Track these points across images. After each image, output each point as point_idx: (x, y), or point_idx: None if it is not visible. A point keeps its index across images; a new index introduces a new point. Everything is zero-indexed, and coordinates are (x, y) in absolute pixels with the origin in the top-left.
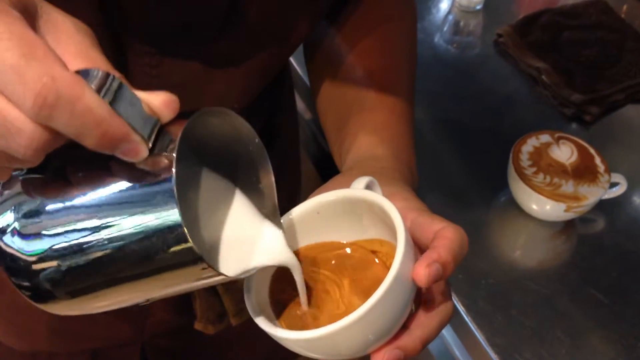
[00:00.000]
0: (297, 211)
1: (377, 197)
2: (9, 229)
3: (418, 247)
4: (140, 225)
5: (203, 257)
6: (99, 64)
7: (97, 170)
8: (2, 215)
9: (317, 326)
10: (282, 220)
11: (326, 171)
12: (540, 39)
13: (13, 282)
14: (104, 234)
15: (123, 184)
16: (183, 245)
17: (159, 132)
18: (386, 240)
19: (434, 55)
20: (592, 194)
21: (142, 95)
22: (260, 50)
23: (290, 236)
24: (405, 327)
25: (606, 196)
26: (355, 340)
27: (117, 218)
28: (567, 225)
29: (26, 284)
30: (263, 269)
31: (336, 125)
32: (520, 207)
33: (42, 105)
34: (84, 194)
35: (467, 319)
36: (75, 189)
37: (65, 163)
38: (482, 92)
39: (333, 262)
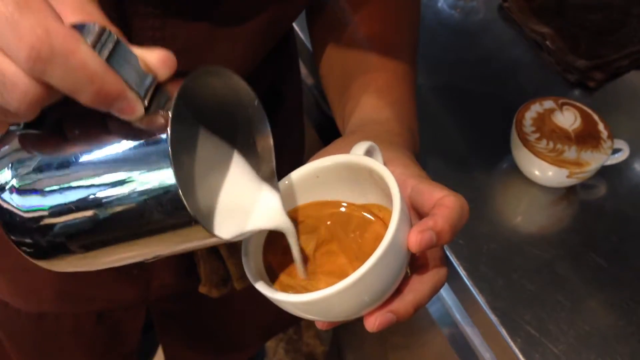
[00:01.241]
0: (296, 174)
1: (375, 164)
2: (7, 186)
3: (419, 215)
4: (134, 184)
5: (197, 218)
6: (96, 18)
7: (94, 127)
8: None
9: (312, 288)
10: (280, 183)
11: (328, 137)
12: (545, 4)
13: (12, 239)
14: (98, 192)
15: (119, 143)
16: (177, 206)
17: (156, 91)
18: (384, 206)
19: (437, 21)
20: (595, 160)
21: (138, 51)
22: (264, 11)
23: (288, 198)
24: (399, 290)
25: (608, 162)
26: (349, 303)
27: (113, 177)
28: (569, 191)
29: (23, 240)
30: (259, 233)
31: (339, 89)
32: (522, 173)
33: (36, 59)
34: (81, 151)
35: (468, 283)
36: (72, 145)
37: (63, 118)
38: (486, 58)
39: (329, 222)
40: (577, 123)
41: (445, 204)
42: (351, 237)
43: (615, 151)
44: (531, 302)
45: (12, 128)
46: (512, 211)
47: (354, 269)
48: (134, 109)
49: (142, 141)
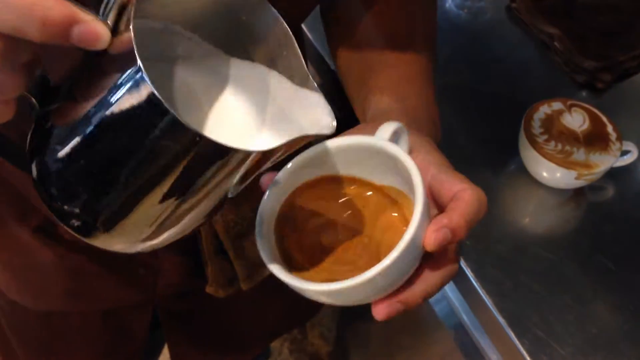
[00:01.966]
0: (315, 149)
1: (400, 152)
2: (44, 156)
3: (437, 204)
4: (132, 119)
5: (205, 134)
6: None
7: (93, 77)
8: (37, 151)
9: (318, 275)
10: (296, 159)
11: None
12: (554, 5)
13: (53, 211)
14: (109, 141)
15: (108, 83)
16: (179, 128)
17: (123, 9)
18: (403, 192)
19: (445, 21)
20: (604, 161)
21: None
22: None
23: (305, 170)
24: (409, 280)
25: (617, 164)
26: (363, 294)
27: (112, 120)
28: (577, 193)
29: (72, 210)
30: (271, 212)
31: (358, 83)
32: (530, 175)
33: None
34: (84, 107)
35: (476, 284)
36: (79, 105)
37: (72, 84)
38: (493, 58)
39: (344, 204)
40: (586, 125)
41: (462, 197)
42: (366, 225)
43: (624, 153)
44: (539, 304)
45: (33, 113)
46: (520, 213)
47: (364, 261)
48: (97, 32)
49: (121, 70)
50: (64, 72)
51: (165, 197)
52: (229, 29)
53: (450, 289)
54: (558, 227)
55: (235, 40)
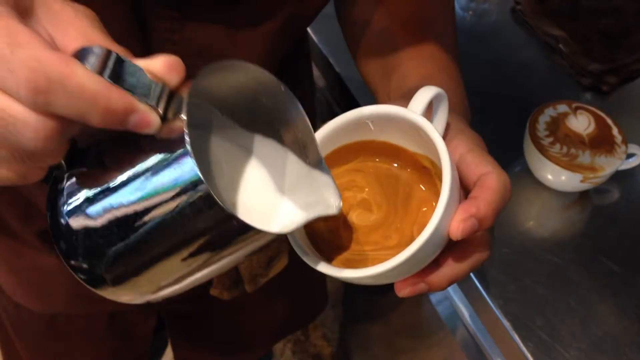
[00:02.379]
0: (345, 116)
1: (430, 129)
2: (61, 213)
3: (462, 184)
4: (170, 194)
5: (236, 214)
6: (99, 43)
7: (128, 150)
8: (52, 206)
9: (357, 260)
10: (326, 125)
11: None
12: (559, 7)
13: (71, 269)
14: (137, 210)
15: (147, 158)
16: (210, 204)
17: (171, 98)
18: (436, 162)
19: None
20: (609, 164)
21: (142, 62)
22: (281, 14)
23: (334, 137)
24: (436, 260)
25: (622, 167)
26: (389, 277)
27: (146, 192)
28: (582, 196)
29: (80, 265)
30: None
31: (383, 77)
32: (535, 177)
33: (35, 91)
34: (117, 176)
35: (480, 288)
36: (110, 172)
37: (102, 151)
38: (498, 61)
39: (374, 177)
40: (591, 127)
41: (487, 184)
42: (396, 200)
43: (629, 156)
44: (543, 307)
45: (57, 173)
46: (525, 215)
47: (395, 242)
48: (149, 120)
49: (166, 151)
50: (91, 136)
51: (183, 265)
52: (252, 108)
53: (453, 291)
54: (563, 230)
55: (258, 118)
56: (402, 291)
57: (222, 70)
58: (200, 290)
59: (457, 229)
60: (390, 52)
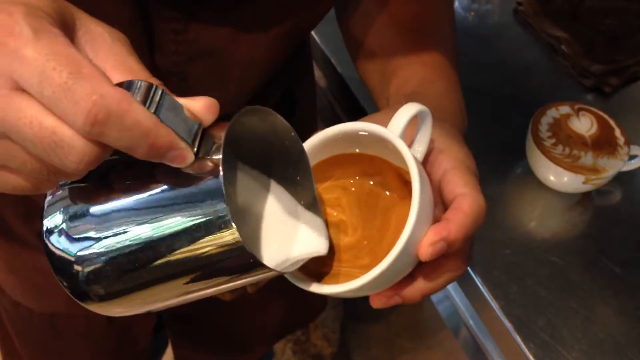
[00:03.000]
0: (333, 129)
1: (404, 149)
2: (56, 230)
3: (443, 200)
4: (188, 226)
5: (259, 259)
6: (138, 73)
7: (140, 175)
8: (51, 216)
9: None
10: (314, 137)
11: None
12: (561, 8)
13: (59, 280)
14: (152, 237)
15: (169, 188)
16: (235, 246)
17: (202, 136)
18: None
19: None
20: (611, 166)
21: (183, 101)
22: (286, 17)
23: (321, 149)
24: (411, 274)
25: (624, 168)
26: (362, 292)
27: (164, 221)
28: (584, 197)
29: (69, 284)
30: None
31: (382, 80)
32: (537, 178)
33: (94, 123)
34: (129, 199)
35: (482, 289)
36: (119, 194)
37: (109, 169)
38: (500, 61)
39: (354, 192)
40: (594, 129)
41: (461, 207)
42: (372, 224)
43: (632, 157)
44: (545, 308)
45: (60, 183)
46: (527, 217)
47: (366, 262)
48: (185, 156)
49: (194, 186)
50: None
51: (183, 290)
52: (261, 148)
53: (455, 292)
54: (565, 231)
55: (261, 157)
56: (377, 303)
57: (247, 115)
58: None
59: (426, 252)
60: (391, 55)
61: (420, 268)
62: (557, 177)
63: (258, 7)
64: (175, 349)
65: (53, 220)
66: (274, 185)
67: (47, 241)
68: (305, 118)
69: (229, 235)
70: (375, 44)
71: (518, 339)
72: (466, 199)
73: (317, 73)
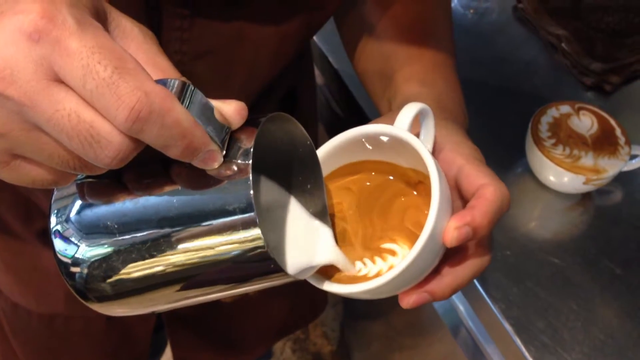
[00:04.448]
0: (340, 137)
1: (417, 144)
2: (64, 225)
3: (461, 197)
4: (211, 229)
5: (282, 266)
6: (168, 71)
7: (157, 173)
8: (60, 211)
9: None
10: (324, 146)
11: None
12: (561, 6)
13: (64, 277)
14: (171, 239)
15: (192, 189)
16: (257, 252)
17: (230, 139)
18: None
19: None
20: (612, 166)
21: (215, 103)
22: (292, 16)
23: (333, 158)
24: (437, 269)
25: (625, 168)
26: (387, 291)
27: (186, 223)
28: (584, 197)
29: (78, 285)
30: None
31: (382, 79)
32: (537, 179)
33: (136, 120)
34: (147, 199)
35: (482, 291)
36: (135, 193)
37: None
38: (500, 59)
39: (367, 195)
40: (594, 128)
41: (485, 195)
42: (389, 213)
43: (633, 157)
44: (545, 310)
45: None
46: (527, 217)
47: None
48: (216, 158)
49: (219, 189)
50: None
51: (196, 293)
52: (276, 155)
53: (455, 295)
54: (565, 232)
55: (276, 165)
56: (407, 303)
57: (272, 121)
58: None
59: (452, 236)
60: (390, 57)
61: (445, 263)
62: (557, 177)
63: (265, 4)
64: (174, 349)
65: (62, 215)
66: (286, 192)
67: (53, 237)
68: (305, 116)
69: (255, 241)
70: (374, 45)
71: (518, 341)
72: (489, 187)
73: (315, 71)
